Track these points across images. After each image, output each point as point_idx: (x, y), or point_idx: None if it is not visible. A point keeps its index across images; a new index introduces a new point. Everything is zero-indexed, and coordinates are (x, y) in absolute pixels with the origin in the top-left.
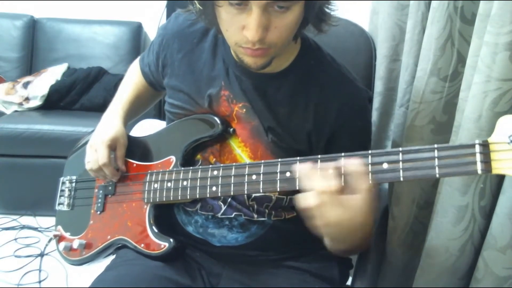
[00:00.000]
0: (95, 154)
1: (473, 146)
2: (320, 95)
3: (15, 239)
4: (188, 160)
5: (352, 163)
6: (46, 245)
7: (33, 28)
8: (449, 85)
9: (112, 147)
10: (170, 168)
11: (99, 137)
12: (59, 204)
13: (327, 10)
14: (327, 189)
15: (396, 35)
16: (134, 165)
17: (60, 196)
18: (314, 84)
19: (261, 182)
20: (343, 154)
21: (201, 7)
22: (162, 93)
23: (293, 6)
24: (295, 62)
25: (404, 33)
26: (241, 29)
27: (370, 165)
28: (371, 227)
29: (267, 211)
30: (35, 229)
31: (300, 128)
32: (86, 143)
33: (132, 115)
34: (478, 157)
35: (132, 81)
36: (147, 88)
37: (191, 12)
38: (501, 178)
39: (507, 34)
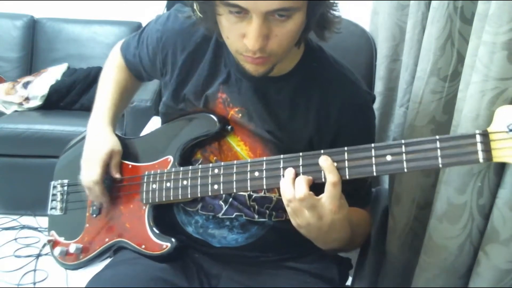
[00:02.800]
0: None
1: (473, 136)
2: (322, 97)
3: (15, 239)
4: (185, 159)
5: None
6: (41, 248)
7: (33, 28)
8: (449, 85)
9: (108, 160)
10: (168, 168)
11: (95, 154)
12: (51, 208)
13: (330, 16)
14: (292, 198)
15: (396, 35)
16: (130, 166)
17: (52, 200)
18: (316, 86)
19: (264, 178)
20: (346, 148)
21: (201, 15)
22: (144, 82)
23: (294, 14)
24: (298, 66)
25: (404, 33)
26: (241, 37)
27: (374, 158)
28: (348, 225)
29: (267, 211)
30: (35, 229)
31: (301, 132)
32: (74, 145)
33: (118, 115)
34: (479, 147)
35: (113, 77)
36: (129, 80)
37: (191, 18)
38: (499, 176)
39: (505, 33)
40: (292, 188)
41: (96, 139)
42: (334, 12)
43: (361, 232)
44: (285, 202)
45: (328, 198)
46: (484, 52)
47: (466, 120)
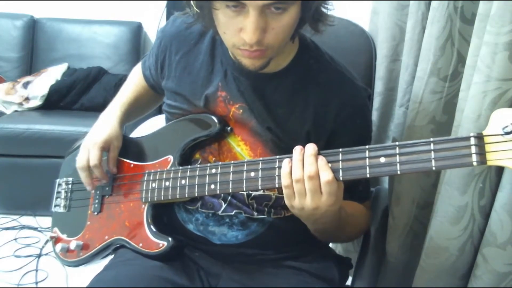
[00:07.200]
0: (87, 154)
1: (468, 139)
2: (319, 94)
3: (15, 239)
4: (185, 159)
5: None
6: (43, 246)
7: (33, 28)
8: (449, 85)
9: (105, 148)
10: (168, 167)
11: (93, 138)
12: (55, 205)
13: (323, 10)
14: (300, 177)
15: (396, 35)
16: (131, 165)
17: (56, 197)
18: (313, 83)
19: (260, 179)
20: (340, 149)
21: (198, 10)
22: (164, 96)
23: (289, 7)
24: (294, 62)
25: (404, 33)
26: (238, 32)
27: (367, 159)
28: (338, 211)
29: (266, 209)
30: (35, 229)
31: (299, 129)
32: (80, 145)
33: (131, 116)
34: (473, 149)
35: (133, 82)
36: (148, 90)
37: (188, 15)
38: (500, 177)
39: (506, 34)
40: (301, 168)
41: (100, 127)
42: (328, 6)
43: (353, 223)
44: (287, 184)
45: (325, 194)
46: (486, 53)
47: (468, 120)
